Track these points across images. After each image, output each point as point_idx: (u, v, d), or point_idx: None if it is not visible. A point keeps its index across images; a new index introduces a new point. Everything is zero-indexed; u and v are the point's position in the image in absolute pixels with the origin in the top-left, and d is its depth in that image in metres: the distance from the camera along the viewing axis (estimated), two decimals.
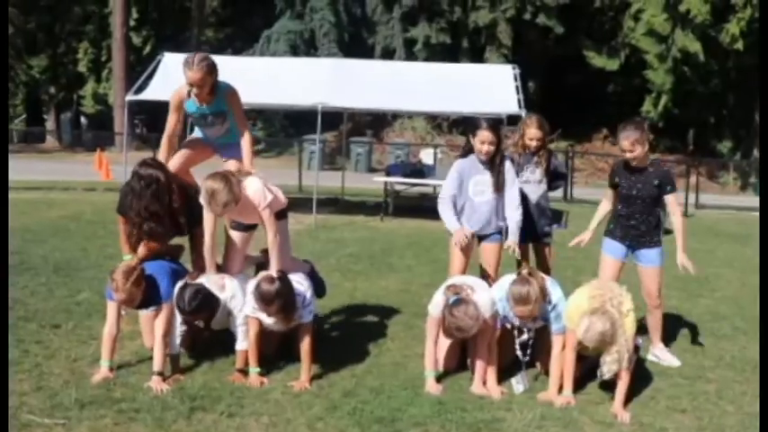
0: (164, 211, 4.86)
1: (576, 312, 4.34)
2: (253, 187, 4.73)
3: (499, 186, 5.19)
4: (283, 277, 4.52)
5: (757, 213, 16.87)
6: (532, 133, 5.70)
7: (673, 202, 5.21)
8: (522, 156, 5.75)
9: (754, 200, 20.71)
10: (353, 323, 6.09)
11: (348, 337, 5.62)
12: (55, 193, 14.99)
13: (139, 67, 27.29)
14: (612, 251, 5.32)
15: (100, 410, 4.00)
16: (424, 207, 14.42)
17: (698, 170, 20.17)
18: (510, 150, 5.81)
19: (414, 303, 6.70)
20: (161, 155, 5.19)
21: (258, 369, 4.60)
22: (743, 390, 4.76)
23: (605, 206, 5.44)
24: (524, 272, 4.50)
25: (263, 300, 4.40)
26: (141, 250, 5.06)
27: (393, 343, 5.49)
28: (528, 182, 5.69)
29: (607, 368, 4.22)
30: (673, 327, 6.20)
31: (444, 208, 5.19)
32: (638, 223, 5.22)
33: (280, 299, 4.40)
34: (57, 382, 4.41)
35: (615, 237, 5.32)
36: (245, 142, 5.15)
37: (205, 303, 4.54)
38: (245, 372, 4.60)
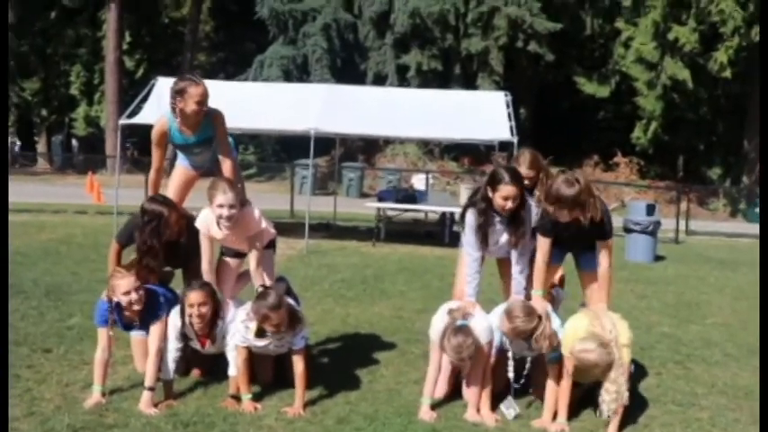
0: (160, 247, 4.86)
1: (573, 340, 4.35)
2: (252, 210, 4.81)
3: (517, 242, 4.78)
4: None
5: (747, 240, 17.14)
6: (523, 172, 5.02)
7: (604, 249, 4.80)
8: None
9: (743, 226, 20.93)
10: (346, 349, 6.07)
11: (341, 363, 5.61)
12: (45, 216, 14.96)
13: (132, 91, 27.41)
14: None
15: None
16: (416, 233, 14.49)
17: (688, 196, 20.32)
18: None
19: (406, 329, 6.71)
20: (151, 190, 5.19)
21: (250, 396, 4.59)
22: (735, 417, 4.77)
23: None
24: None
25: (272, 307, 4.38)
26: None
27: (387, 369, 5.48)
28: None
29: (606, 407, 4.23)
30: (664, 353, 6.24)
31: (470, 268, 4.83)
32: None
33: (284, 303, 4.44)
34: (48, 408, 4.38)
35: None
36: (227, 170, 5.03)
37: (213, 291, 4.62)
38: (237, 398, 4.59)
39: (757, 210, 23.07)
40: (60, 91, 35.27)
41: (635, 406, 4.73)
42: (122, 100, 28.00)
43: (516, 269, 4.86)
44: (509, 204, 4.62)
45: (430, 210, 14.41)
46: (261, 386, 4.83)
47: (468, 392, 4.64)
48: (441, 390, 4.80)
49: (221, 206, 4.58)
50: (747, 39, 20.64)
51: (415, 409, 4.55)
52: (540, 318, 4.42)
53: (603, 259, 4.77)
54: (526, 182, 4.99)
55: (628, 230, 12.61)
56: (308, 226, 12.13)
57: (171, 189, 5.27)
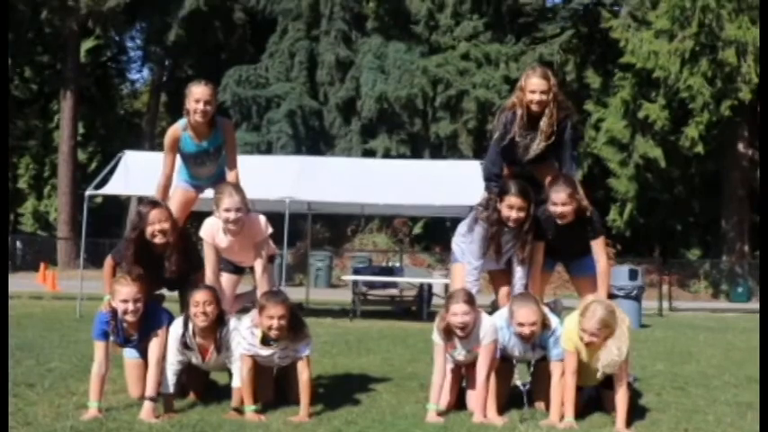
0: (133, 241, 5.06)
1: (574, 332, 4.67)
2: (258, 216, 5.12)
3: (523, 259, 5.20)
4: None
5: (733, 314, 17.71)
6: (534, 83, 5.15)
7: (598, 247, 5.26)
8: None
9: (727, 305, 21.52)
10: (341, 383, 6.24)
11: (339, 390, 5.78)
12: None
13: (85, 185, 27.53)
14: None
15: None
16: (394, 312, 14.70)
17: (669, 279, 20.94)
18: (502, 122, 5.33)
19: (399, 371, 6.89)
20: (159, 195, 5.48)
21: (254, 407, 4.76)
22: (741, 424, 5.04)
23: None
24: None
25: (275, 298, 4.63)
26: None
27: (386, 393, 5.65)
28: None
29: (609, 364, 4.51)
30: (662, 382, 6.52)
31: (471, 275, 5.18)
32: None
33: (288, 301, 4.66)
34: (45, 420, 4.50)
35: None
36: (232, 179, 5.35)
37: (218, 295, 4.79)
38: (240, 410, 4.76)
39: (740, 289, 23.79)
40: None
41: (637, 412, 5.00)
42: (76, 192, 28.05)
43: (516, 276, 5.21)
44: (513, 214, 5.03)
45: (407, 281, 14.67)
46: (262, 404, 4.99)
47: (473, 399, 4.87)
48: (444, 400, 5.01)
49: (228, 210, 4.88)
50: (717, 114, 21.84)
51: (421, 417, 4.76)
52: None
53: (601, 257, 5.18)
54: (538, 96, 5.12)
55: (611, 297, 12.97)
56: None
57: (172, 207, 5.53)
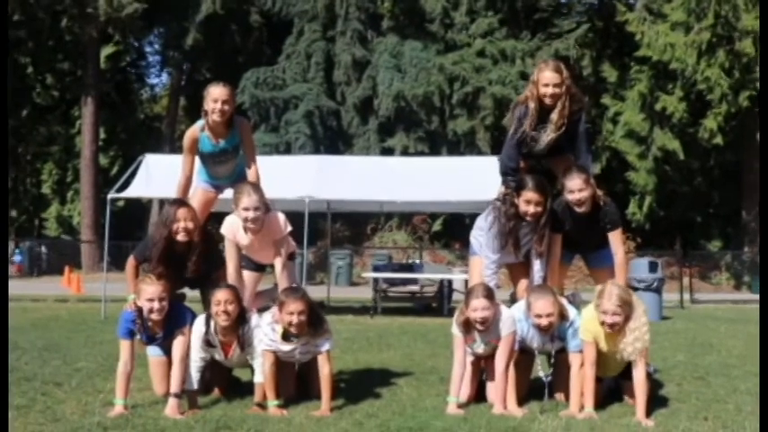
0: (162, 240, 5.11)
1: (592, 323, 4.69)
2: (277, 215, 5.17)
3: (541, 252, 5.22)
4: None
5: (755, 305, 17.51)
6: (548, 76, 5.20)
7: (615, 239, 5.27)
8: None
9: (749, 296, 21.33)
10: (362, 378, 6.30)
11: (359, 385, 5.83)
12: (24, 303, 15.06)
13: (107, 189, 27.82)
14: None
15: (125, 431, 4.18)
16: (415, 308, 14.73)
17: (690, 271, 20.81)
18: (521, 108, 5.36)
19: (420, 366, 6.93)
20: (179, 195, 5.54)
21: (277, 402, 4.82)
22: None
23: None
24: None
25: (294, 294, 4.68)
26: None
27: (407, 387, 5.71)
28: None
29: (632, 348, 4.55)
30: (683, 372, 6.51)
31: (489, 269, 5.23)
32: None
33: (307, 297, 4.71)
34: (73, 417, 4.59)
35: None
36: (252, 177, 5.41)
37: (239, 293, 4.85)
38: (263, 406, 4.82)
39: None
40: (31, 191, 35.72)
41: (657, 402, 5.01)
42: (98, 196, 28.31)
43: (535, 269, 5.23)
44: (531, 209, 5.06)
45: (427, 278, 14.70)
46: (284, 400, 5.05)
47: (493, 390, 4.90)
48: (464, 393, 5.05)
49: (247, 209, 4.94)
50: (735, 105, 21.66)
51: (441, 409, 4.80)
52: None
53: (618, 248, 5.18)
54: (550, 89, 5.18)
55: (631, 289, 12.94)
56: None
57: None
